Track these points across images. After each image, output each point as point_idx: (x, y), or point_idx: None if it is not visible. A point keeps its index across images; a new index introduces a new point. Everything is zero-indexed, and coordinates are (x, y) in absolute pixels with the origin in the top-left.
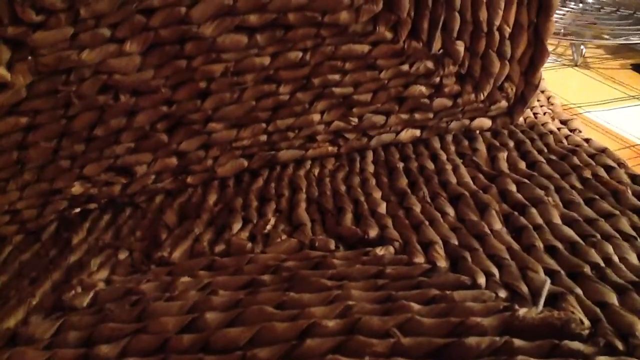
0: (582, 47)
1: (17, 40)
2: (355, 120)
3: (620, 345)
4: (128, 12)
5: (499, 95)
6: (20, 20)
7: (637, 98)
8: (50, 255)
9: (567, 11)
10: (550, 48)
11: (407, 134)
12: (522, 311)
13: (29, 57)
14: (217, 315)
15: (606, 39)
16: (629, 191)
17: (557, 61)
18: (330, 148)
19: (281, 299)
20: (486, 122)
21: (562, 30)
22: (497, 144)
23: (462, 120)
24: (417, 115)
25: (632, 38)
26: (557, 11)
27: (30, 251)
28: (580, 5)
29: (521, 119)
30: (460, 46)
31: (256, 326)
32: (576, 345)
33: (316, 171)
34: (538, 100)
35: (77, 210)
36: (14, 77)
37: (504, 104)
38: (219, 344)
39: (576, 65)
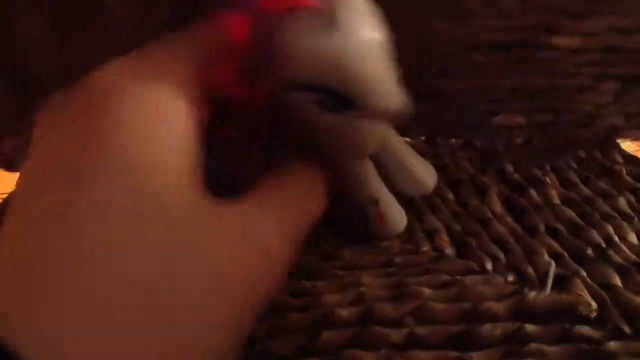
0: None
1: None
2: None
3: (627, 329)
4: None
5: None
6: None
7: None
8: None
9: None
10: None
11: None
12: (531, 295)
13: None
14: None
15: None
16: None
17: None
18: None
19: (295, 287)
20: None
21: None
22: None
23: None
24: None
25: None
26: None
27: None
28: None
29: None
30: None
31: (270, 318)
32: (586, 330)
33: None
34: None
35: None
36: None
37: None
38: None
39: None
